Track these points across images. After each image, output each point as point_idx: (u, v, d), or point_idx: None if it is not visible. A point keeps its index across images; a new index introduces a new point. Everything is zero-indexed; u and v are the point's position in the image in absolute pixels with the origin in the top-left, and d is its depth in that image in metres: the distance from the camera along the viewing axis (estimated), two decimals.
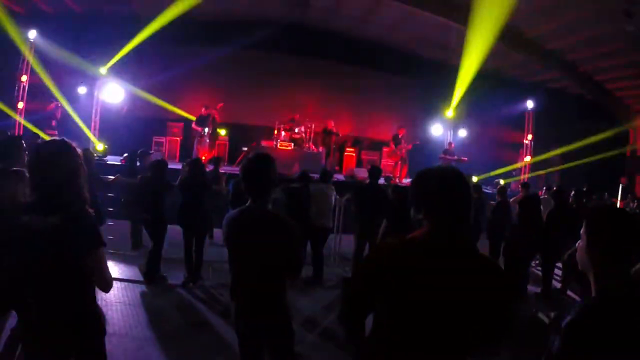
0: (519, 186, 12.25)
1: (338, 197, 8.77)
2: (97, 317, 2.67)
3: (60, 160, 2.48)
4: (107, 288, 2.60)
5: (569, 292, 7.87)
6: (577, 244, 1.98)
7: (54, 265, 2.36)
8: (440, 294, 1.76)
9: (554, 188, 10.33)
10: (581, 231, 1.95)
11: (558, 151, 18.29)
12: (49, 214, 2.32)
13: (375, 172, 8.22)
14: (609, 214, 1.94)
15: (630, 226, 1.83)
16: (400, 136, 15.15)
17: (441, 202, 1.87)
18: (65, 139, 2.64)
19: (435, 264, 1.80)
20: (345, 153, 17.15)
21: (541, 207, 8.04)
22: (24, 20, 14.15)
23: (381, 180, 13.28)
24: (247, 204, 3.04)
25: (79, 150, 2.64)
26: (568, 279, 7.85)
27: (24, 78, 13.92)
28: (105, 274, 2.53)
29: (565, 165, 18.04)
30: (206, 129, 13.98)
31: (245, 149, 15.06)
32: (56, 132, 13.47)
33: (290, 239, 2.96)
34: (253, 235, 2.94)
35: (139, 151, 10.39)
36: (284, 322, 3.12)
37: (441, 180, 1.92)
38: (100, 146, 14.10)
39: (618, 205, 13.06)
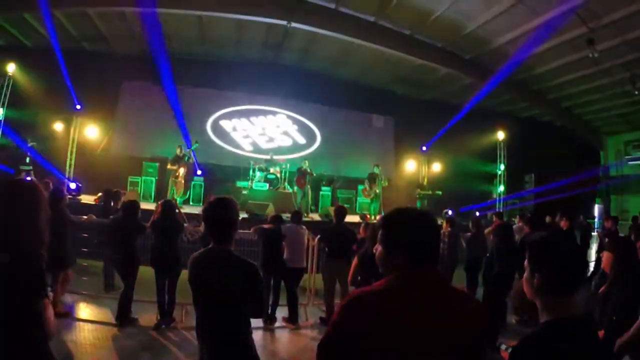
0: (494, 216, 12.41)
1: (311, 236, 8.82)
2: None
3: (19, 200, 2.45)
4: (47, 337, 2.48)
5: None
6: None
7: None
8: (423, 339, 1.74)
9: (528, 215, 10.49)
10: (525, 263, 2.03)
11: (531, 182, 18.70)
12: (1, 251, 2.29)
13: (339, 211, 8.29)
14: (547, 245, 1.99)
15: (569, 257, 1.93)
16: (375, 174, 15.34)
17: (407, 244, 1.89)
18: (30, 179, 2.60)
19: (413, 308, 1.77)
20: (321, 192, 17.24)
21: (516, 235, 8.16)
22: (3, 53, 14.23)
23: (355, 218, 13.48)
24: (209, 246, 3.12)
25: (44, 191, 2.61)
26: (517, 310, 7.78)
27: (0, 111, 13.87)
28: (46, 324, 2.42)
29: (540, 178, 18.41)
30: (181, 169, 13.96)
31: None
32: (31, 169, 13.36)
33: (251, 280, 3.03)
34: (215, 276, 3.00)
35: (113, 191, 10.36)
36: None
37: (409, 224, 1.94)
38: (73, 185, 13.97)
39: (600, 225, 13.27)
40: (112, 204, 9.98)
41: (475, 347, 1.83)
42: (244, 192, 15.14)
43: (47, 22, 12.80)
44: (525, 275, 2.02)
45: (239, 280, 3.00)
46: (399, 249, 1.90)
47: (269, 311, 7.59)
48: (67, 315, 7.07)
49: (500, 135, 18.56)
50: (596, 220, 17.19)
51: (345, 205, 10.21)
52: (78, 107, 15.12)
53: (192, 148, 14.48)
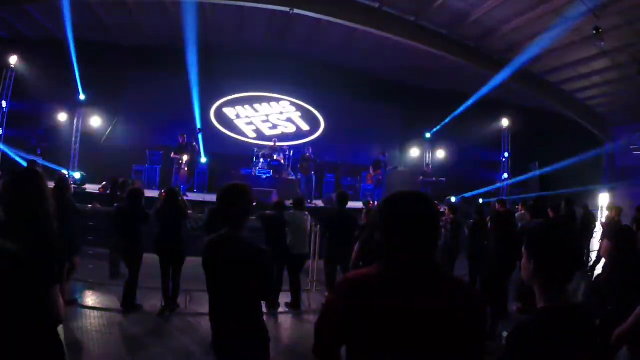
0: (497, 204, 12.35)
1: (313, 223, 8.86)
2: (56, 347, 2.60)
3: (28, 190, 2.50)
4: (57, 322, 2.53)
5: None
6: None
7: (9, 290, 2.30)
8: (413, 324, 1.73)
9: (531, 203, 10.47)
10: (522, 248, 2.07)
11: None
12: (13, 240, 2.31)
13: (342, 197, 8.29)
14: (543, 233, 2.03)
15: (565, 244, 1.96)
16: (381, 161, 15.34)
17: (405, 229, 1.84)
18: (36, 169, 2.61)
19: (405, 294, 1.76)
20: (324, 179, 17.30)
21: (519, 223, 8.14)
22: (6, 44, 14.25)
23: (359, 204, 13.50)
24: (222, 231, 3.20)
25: (49, 181, 2.63)
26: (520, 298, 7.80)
27: (4, 104, 13.93)
28: (56, 310, 2.44)
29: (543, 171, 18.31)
30: (185, 157, 14.01)
31: None
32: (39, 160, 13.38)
33: (262, 264, 3.12)
34: (227, 260, 3.09)
35: (120, 180, 10.44)
36: (259, 346, 3.23)
37: (404, 207, 1.89)
38: (78, 174, 14.03)
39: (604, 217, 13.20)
40: (118, 192, 10.05)
41: (472, 337, 1.80)
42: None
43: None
44: (522, 260, 2.06)
45: (250, 264, 3.08)
46: (394, 233, 1.87)
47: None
48: (74, 303, 7.15)
49: (505, 123, 18.52)
50: (600, 209, 17.15)
51: (349, 192, 10.20)
52: (82, 97, 15.16)
53: (195, 136, 14.60)
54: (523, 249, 2.06)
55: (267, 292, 3.34)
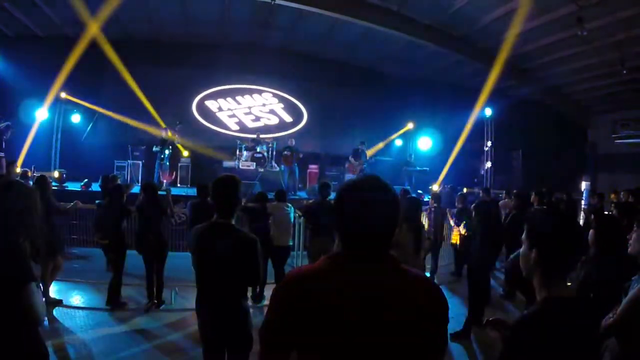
0: (480, 192, 12.40)
1: (297, 214, 8.82)
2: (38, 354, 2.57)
3: (13, 203, 2.47)
4: (36, 322, 2.50)
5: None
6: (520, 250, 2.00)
7: None
8: (373, 323, 1.54)
9: (514, 191, 10.55)
10: (522, 237, 1.97)
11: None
12: None
13: (323, 187, 8.17)
14: (548, 220, 1.94)
15: (569, 232, 1.87)
16: (360, 151, 15.33)
17: (361, 217, 1.65)
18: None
19: (348, 291, 1.57)
20: (308, 170, 17.27)
21: (501, 211, 8.17)
22: None
23: None
24: (213, 219, 3.43)
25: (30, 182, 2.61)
26: (510, 284, 7.85)
27: None
28: (34, 309, 2.40)
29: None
30: (166, 151, 13.89)
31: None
32: (3, 154, 13.02)
33: (250, 250, 3.31)
34: (217, 246, 3.28)
35: (110, 176, 10.35)
36: (244, 328, 3.41)
37: (349, 196, 1.71)
38: (56, 173, 13.74)
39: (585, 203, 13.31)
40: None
41: (432, 335, 1.64)
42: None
43: None
44: (522, 250, 1.97)
45: (239, 250, 3.28)
46: (339, 222, 1.71)
47: (257, 289, 7.62)
48: (59, 303, 7.08)
49: (488, 113, 18.60)
50: (583, 199, 17.32)
51: (333, 183, 10.15)
52: (62, 94, 14.94)
53: (175, 129, 14.50)
54: (523, 237, 1.96)
55: (254, 277, 3.49)
